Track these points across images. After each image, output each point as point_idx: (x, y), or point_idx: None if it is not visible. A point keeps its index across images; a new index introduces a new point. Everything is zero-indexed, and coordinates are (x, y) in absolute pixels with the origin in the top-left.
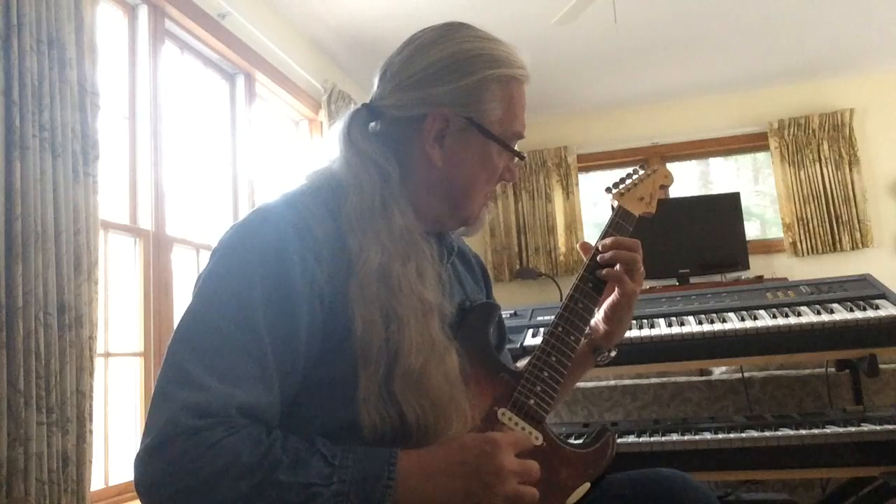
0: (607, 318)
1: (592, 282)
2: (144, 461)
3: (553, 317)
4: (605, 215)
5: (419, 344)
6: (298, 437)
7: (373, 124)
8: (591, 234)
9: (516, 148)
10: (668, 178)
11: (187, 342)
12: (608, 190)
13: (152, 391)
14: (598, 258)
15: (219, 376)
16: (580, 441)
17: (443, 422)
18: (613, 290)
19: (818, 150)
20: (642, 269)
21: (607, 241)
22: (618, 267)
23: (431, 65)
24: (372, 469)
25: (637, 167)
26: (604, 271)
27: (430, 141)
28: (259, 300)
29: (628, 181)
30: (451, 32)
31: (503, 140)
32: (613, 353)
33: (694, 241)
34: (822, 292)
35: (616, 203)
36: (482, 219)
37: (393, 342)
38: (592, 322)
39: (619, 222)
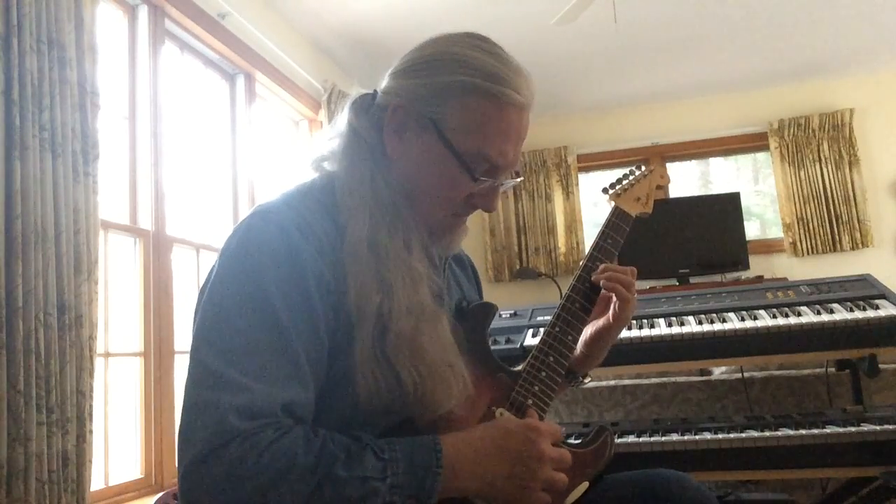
0: (591, 342)
1: (590, 282)
2: (195, 473)
3: (551, 317)
4: (605, 215)
5: (409, 307)
6: (341, 433)
7: (374, 107)
8: (591, 233)
9: (513, 178)
10: (665, 178)
11: (214, 348)
12: (605, 191)
13: (183, 402)
14: (592, 279)
15: (256, 377)
16: (579, 441)
17: (440, 387)
18: (603, 311)
19: (818, 150)
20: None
21: (605, 273)
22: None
23: (416, 59)
24: (420, 459)
25: (634, 168)
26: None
27: (390, 131)
28: (279, 301)
29: (625, 182)
30: (458, 38)
31: (462, 154)
32: (588, 381)
33: (694, 241)
34: (822, 292)
35: (613, 204)
36: (452, 238)
37: (385, 307)
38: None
39: (616, 223)
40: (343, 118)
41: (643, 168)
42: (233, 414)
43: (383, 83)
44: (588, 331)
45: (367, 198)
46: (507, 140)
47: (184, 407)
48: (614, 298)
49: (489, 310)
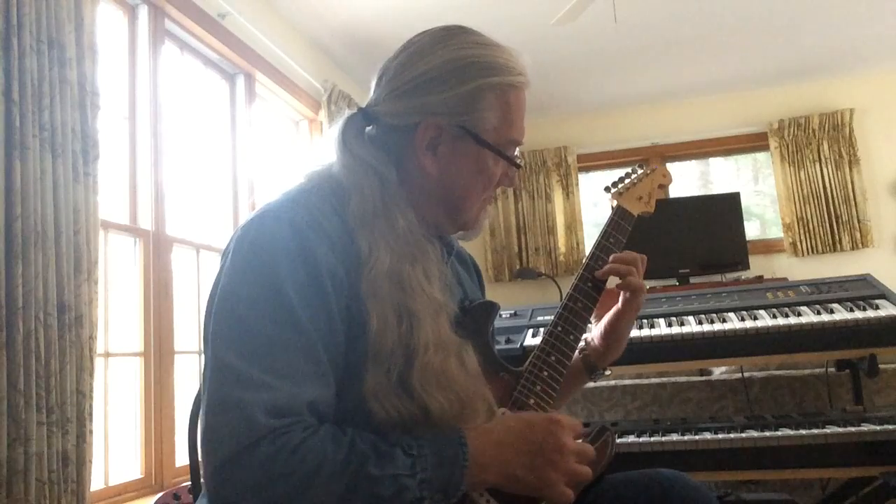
0: (606, 334)
1: (592, 281)
2: (226, 473)
3: (553, 316)
4: (606, 215)
5: (436, 341)
6: (366, 431)
7: (369, 129)
8: (591, 233)
9: (516, 152)
10: (667, 177)
11: (235, 347)
12: (607, 189)
13: (203, 403)
14: (599, 267)
15: (281, 376)
16: (579, 441)
17: (469, 413)
18: (611, 304)
19: (818, 150)
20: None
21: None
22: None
23: (425, 72)
24: (447, 454)
25: (636, 167)
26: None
27: (423, 149)
28: (295, 299)
29: (627, 181)
30: (448, 38)
31: (498, 148)
32: (608, 373)
33: (694, 241)
34: (822, 292)
35: (615, 202)
36: (480, 223)
37: (406, 340)
38: (589, 337)
39: (619, 222)
40: (338, 144)
41: (645, 167)
42: (260, 412)
43: (386, 105)
44: (602, 323)
45: (384, 229)
46: (522, 116)
47: (207, 407)
48: (622, 292)
49: (491, 308)
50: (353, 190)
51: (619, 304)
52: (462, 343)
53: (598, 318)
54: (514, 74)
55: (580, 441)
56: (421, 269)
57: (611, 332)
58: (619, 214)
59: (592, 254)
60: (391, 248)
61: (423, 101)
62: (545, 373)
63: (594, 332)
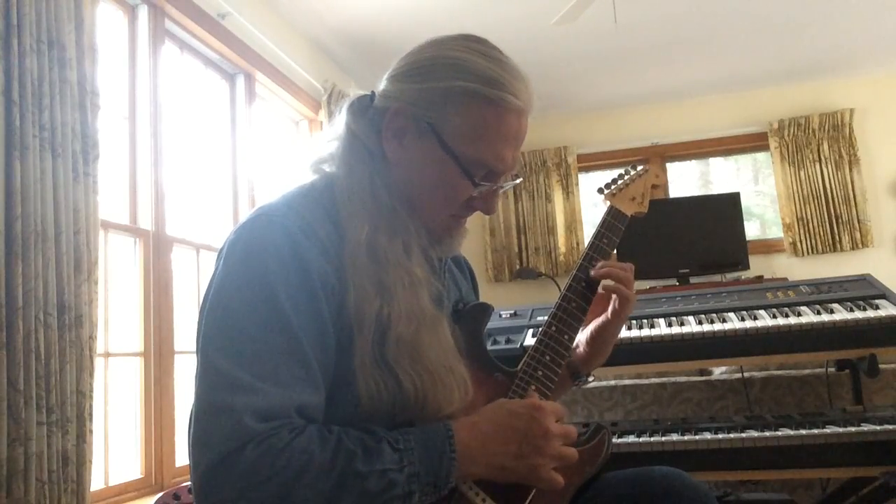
0: (592, 340)
1: (586, 281)
2: (213, 478)
3: (547, 316)
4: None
5: (409, 313)
6: (354, 428)
7: (372, 110)
8: (591, 233)
9: (504, 180)
10: (660, 177)
11: (225, 351)
12: (600, 191)
13: (194, 407)
14: (591, 273)
15: (270, 380)
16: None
17: (441, 391)
18: (598, 311)
19: (818, 150)
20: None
21: (603, 269)
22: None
23: (414, 63)
24: (434, 447)
25: (629, 167)
26: (603, 281)
27: (389, 136)
28: (287, 303)
29: (620, 182)
30: (453, 40)
31: (461, 159)
32: (592, 380)
33: (694, 241)
34: (822, 292)
35: (608, 203)
36: (453, 241)
37: (384, 312)
38: (573, 343)
39: (612, 222)
40: (341, 121)
41: (638, 168)
42: (248, 416)
43: (381, 86)
44: (589, 329)
45: (367, 202)
46: (506, 145)
47: (196, 411)
48: (614, 296)
49: (485, 310)
50: (343, 163)
51: (609, 314)
52: (437, 317)
53: (586, 324)
54: (501, 91)
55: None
56: (400, 243)
57: (597, 338)
58: (612, 215)
59: (586, 254)
60: (371, 218)
61: (401, 88)
62: (539, 372)
63: (579, 337)
